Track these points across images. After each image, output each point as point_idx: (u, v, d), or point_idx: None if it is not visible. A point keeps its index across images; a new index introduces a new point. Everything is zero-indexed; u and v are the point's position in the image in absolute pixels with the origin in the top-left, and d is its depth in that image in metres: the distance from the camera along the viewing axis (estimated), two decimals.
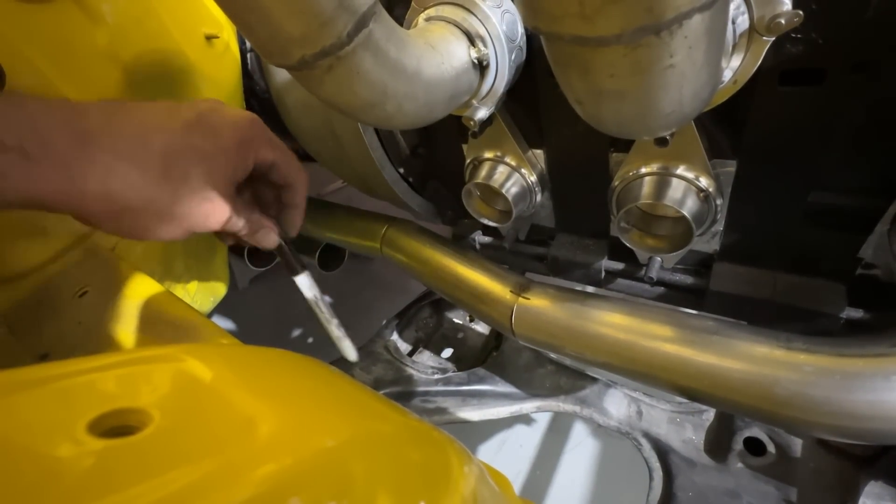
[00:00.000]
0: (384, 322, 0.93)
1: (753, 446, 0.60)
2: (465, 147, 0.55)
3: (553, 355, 0.79)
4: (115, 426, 0.15)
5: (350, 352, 0.55)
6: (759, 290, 0.45)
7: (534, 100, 0.47)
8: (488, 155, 0.52)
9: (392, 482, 0.19)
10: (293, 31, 0.26)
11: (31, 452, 0.14)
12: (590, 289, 0.56)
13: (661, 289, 0.53)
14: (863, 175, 0.38)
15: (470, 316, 0.95)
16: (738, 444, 0.60)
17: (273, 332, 1.40)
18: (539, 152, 0.52)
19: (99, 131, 0.34)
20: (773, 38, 0.31)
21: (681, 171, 0.41)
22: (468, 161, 0.54)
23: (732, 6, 0.30)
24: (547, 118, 0.48)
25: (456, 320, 0.96)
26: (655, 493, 0.60)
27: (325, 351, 0.59)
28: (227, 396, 0.19)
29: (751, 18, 0.31)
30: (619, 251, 0.53)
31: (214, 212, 0.40)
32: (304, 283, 0.50)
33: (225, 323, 1.39)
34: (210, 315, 0.79)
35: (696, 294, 0.50)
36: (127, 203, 0.35)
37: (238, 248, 0.80)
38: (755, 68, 0.33)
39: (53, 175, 0.32)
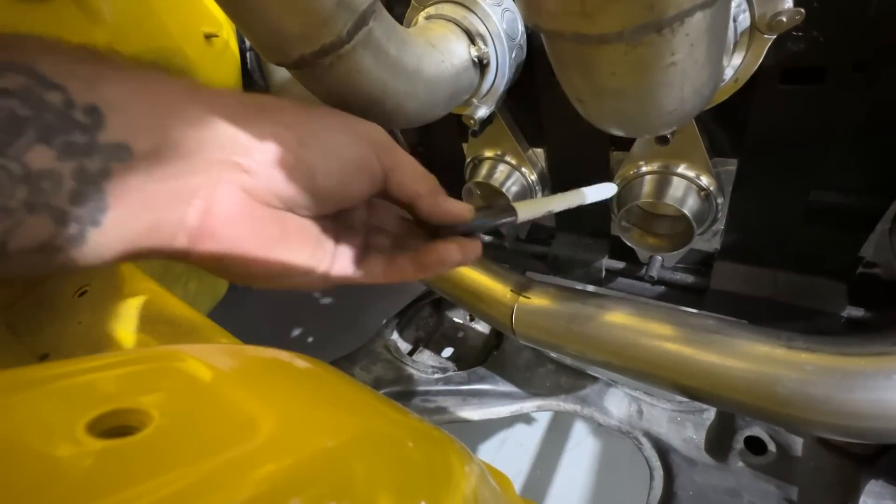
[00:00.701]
0: (384, 321, 0.92)
1: (754, 445, 0.60)
2: (465, 146, 0.55)
3: (553, 354, 0.79)
4: (115, 426, 0.15)
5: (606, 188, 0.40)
6: (759, 289, 0.45)
7: (534, 98, 0.47)
8: (489, 154, 0.52)
9: (393, 482, 0.19)
10: (293, 29, 0.26)
11: (30, 452, 0.14)
12: (590, 288, 0.56)
13: (662, 288, 0.53)
14: (864, 174, 0.38)
15: (470, 315, 0.95)
16: (739, 443, 0.60)
17: (273, 331, 1.40)
18: (539, 151, 0.52)
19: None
20: (775, 37, 0.31)
21: (682, 169, 0.41)
22: (468, 160, 0.54)
23: (734, 4, 0.30)
24: (547, 117, 0.48)
25: (456, 319, 0.96)
26: (656, 492, 0.60)
27: (325, 350, 0.59)
28: (227, 396, 0.19)
29: (752, 16, 0.31)
30: (619, 250, 0.52)
31: None
32: (531, 213, 0.36)
33: (225, 322, 1.39)
34: (210, 314, 0.79)
35: (696, 293, 0.50)
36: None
37: None
38: (756, 66, 0.33)
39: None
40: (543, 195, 0.54)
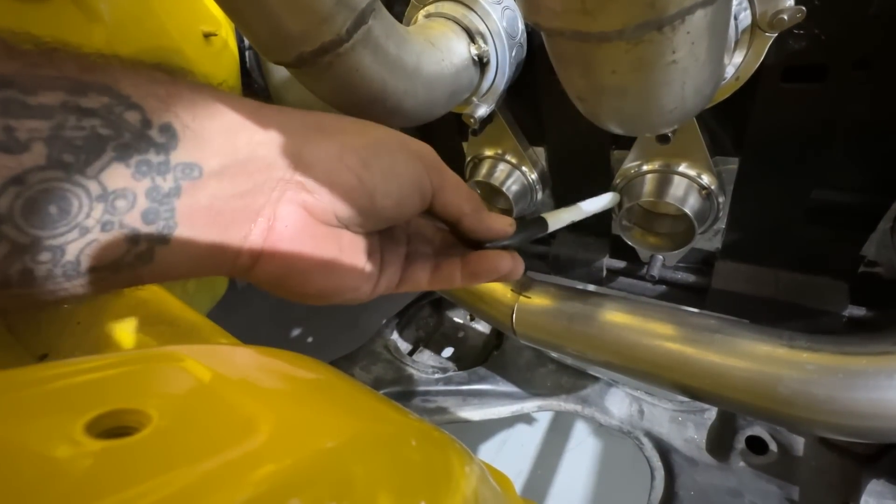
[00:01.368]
0: (384, 321, 0.92)
1: (755, 445, 0.60)
2: (465, 145, 0.55)
3: (554, 354, 0.79)
4: (114, 427, 0.15)
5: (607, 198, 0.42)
6: (761, 289, 0.45)
7: (534, 97, 0.47)
8: (489, 152, 0.52)
9: (393, 482, 0.19)
10: (292, 28, 0.26)
11: (28, 453, 0.14)
12: (591, 287, 0.56)
13: (663, 287, 0.53)
14: (865, 172, 0.38)
15: (470, 315, 0.95)
16: (740, 443, 0.60)
17: (272, 331, 1.40)
18: (540, 150, 0.52)
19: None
20: (776, 35, 0.31)
21: (683, 168, 0.41)
22: (468, 159, 0.54)
23: (735, 2, 0.30)
24: (548, 115, 0.48)
25: (456, 319, 0.96)
26: (657, 492, 0.60)
27: (324, 350, 0.59)
28: (226, 397, 0.19)
29: (753, 14, 0.31)
30: (620, 249, 0.52)
31: None
32: (558, 223, 0.37)
33: (224, 322, 1.39)
34: (209, 315, 0.79)
35: (698, 292, 0.50)
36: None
37: None
38: (758, 65, 0.33)
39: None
40: (544, 194, 0.54)
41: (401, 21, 0.39)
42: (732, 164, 0.42)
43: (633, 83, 0.24)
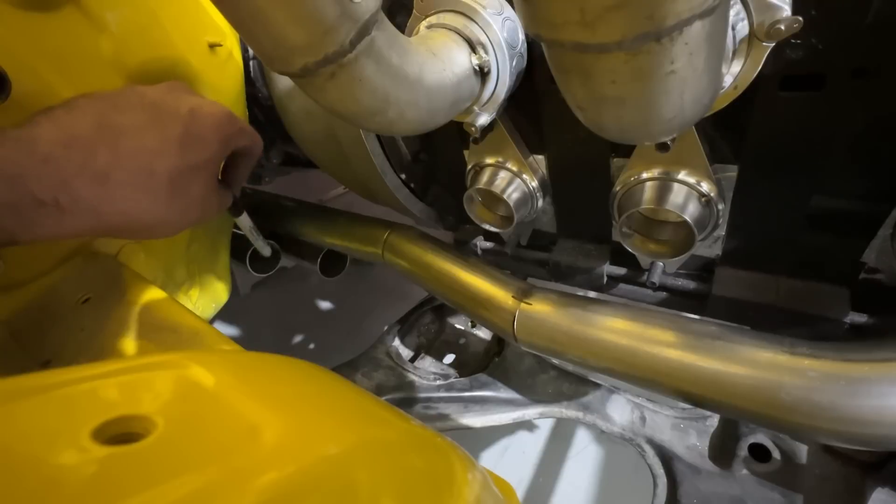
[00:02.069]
0: (386, 328, 0.92)
1: (758, 452, 0.60)
2: (466, 153, 0.56)
3: (555, 361, 0.79)
4: (119, 433, 0.15)
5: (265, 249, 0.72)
6: (761, 295, 0.45)
7: (535, 106, 0.47)
8: (490, 161, 0.52)
9: (396, 489, 0.19)
10: (296, 38, 0.26)
11: (35, 460, 0.14)
12: (592, 294, 0.56)
13: (664, 294, 0.53)
14: (864, 179, 0.38)
15: (472, 321, 0.95)
16: (743, 451, 0.60)
17: (275, 338, 1.40)
18: (540, 158, 0.52)
19: (111, 168, 0.38)
20: (773, 44, 0.31)
21: (682, 175, 0.41)
22: (470, 167, 0.55)
23: (732, 12, 0.31)
24: (548, 124, 0.48)
25: (458, 326, 0.96)
26: (660, 499, 0.60)
27: (327, 357, 0.59)
28: (231, 403, 0.19)
29: (750, 24, 0.31)
30: (621, 256, 0.52)
31: (212, 208, 0.48)
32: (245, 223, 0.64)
33: (227, 329, 1.39)
34: (212, 321, 0.79)
35: (698, 299, 0.50)
36: (143, 224, 0.41)
37: (240, 254, 0.80)
38: (755, 74, 0.33)
39: (83, 219, 0.37)
40: (544, 202, 0.54)
41: (403, 31, 0.39)
42: (732, 172, 0.42)
43: (633, 93, 0.24)
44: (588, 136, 0.37)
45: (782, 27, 0.30)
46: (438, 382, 0.80)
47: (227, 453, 0.16)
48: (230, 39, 0.63)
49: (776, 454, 0.59)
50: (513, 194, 0.51)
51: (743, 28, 0.31)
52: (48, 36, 0.46)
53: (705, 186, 0.41)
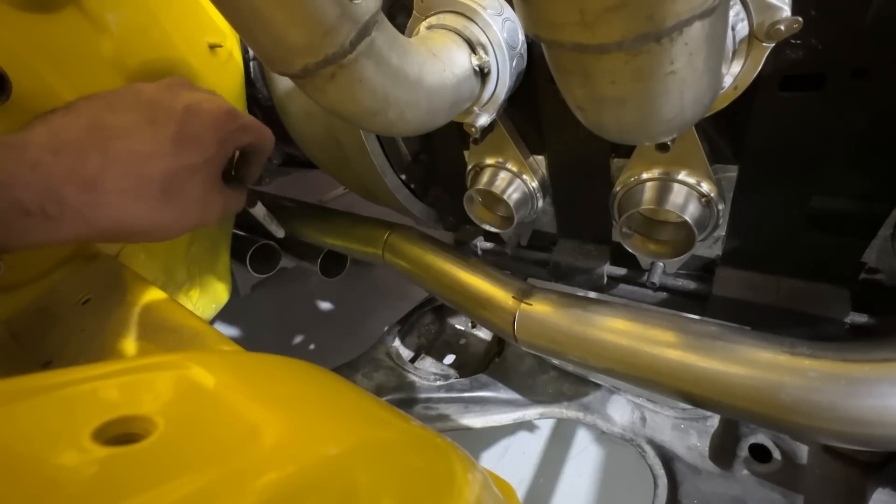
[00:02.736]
0: (386, 328, 0.92)
1: (759, 453, 0.60)
2: (466, 153, 0.56)
3: (556, 361, 0.79)
4: (120, 434, 0.15)
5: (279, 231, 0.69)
6: (762, 295, 0.45)
7: (535, 106, 0.48)
8: (490, 161, 0.52)
9: (396, 489, 0.19)
10: (296, 39, 0.26)
11: (35, 461, 0.14)
12: (592, 294, 0.56)
13: (664, 294, 0.53)
14: (864, 179, 0.38)
15: (472, 322, 0.95)
16: (744, 451, 0.60)
17: (275, 338, 1.40)
18: (540, 158, 0.52)
19: (100, 173, 0.37)
20: (773, 45, 0.31)
21: (682, 176, 0.41)
22: (470, 167, 0.55)
23: (732, 13, 0.31)
24: (548, 124, 0.48)
25: (458, 326, 0.96)
26: (660, 500, 0.60)
27: (327, 357, 0.59)
28: (231, 404, 0.19)
29: (750, 25, 0.31)
30: (621, 256, 0.53)
31: (215, 209, 0.45)
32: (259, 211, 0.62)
33: (227, 329, 1.39)
34: (212, 322, 0.79)
35: (698, 299, 0.50)
36: (137, 229, 0.39)
37: (240, 255, 0.80)
38: (755, 74, 0.33)
39: (73, 227, 0.36)
40: (544, 202, 0.54)
41: (403, 32, 0.39)
42: (732, 172, 0.42)
43: (632, 93, 0.24)
44: (588, 136, 0.38)
45: (782, 27, 0.30)
46: (439, 383, 0.81)
47: (228, 454, 0.16)
48: (230, 40, 0.63)
49: (777, 454, 0.59)
50: (513, 195, 0.51)
51: (743, 28, 0.31)
52: (49, 37, 0.46)
53: (705, 187, 0.41)
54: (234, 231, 0.79)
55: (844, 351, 0.35)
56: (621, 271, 0.54)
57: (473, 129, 0.44)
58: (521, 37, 0.42)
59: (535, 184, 0.52)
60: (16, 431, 0.15)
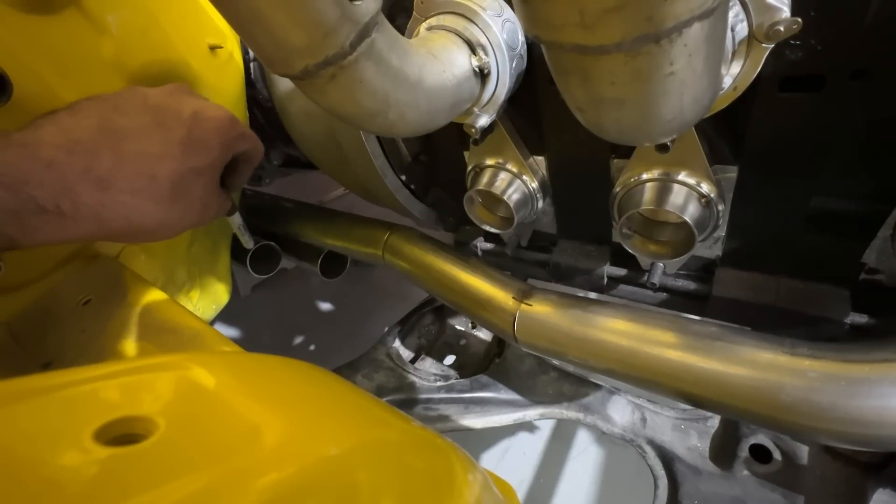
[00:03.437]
0: (386, 329, 0.92)
1: (759, 453, 0.60)
2: (466, 154, 0.56)
3: (556, 362, 0.79)
4: (121, 434, 0.15)
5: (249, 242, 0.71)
6: (762, 296, 0.45)
7: (535, 107, 0.48)
8: (490, 162, 0.52)
9: (396, 490, 0.19)
10: (297, 41, 0.26)
11: (37, 461, 0.14)
12: (592, 295, 0.56)
13: (664, 294, 0.53)
14: (864, 180, 0.38)
15: (472, 323, 0.95)
16: (744, 452, 0.60)
17: (275, 339, 1.40)
18: (540, 159, 0.52)
19: (114, 172, 0.38)
20: (773, 45, 0.32)
21: (682, 176, 0.41)
22: (470, 168, 0.55)
23: (731, 14, 0.31)
24: (548, 125, 0.48)
25: (458, 327, 0.96)
26: (660, 500, 0.60)
27: (327, 358, 0.59)
28: (232, 404, 0.19)
29: (750, 26, 0.31)
30: (621, 257, 0.53)
31: (211, 211, 0.48)
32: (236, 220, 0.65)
33: (227, 330, 1.39)
34: (212, 322, 0.79)
35: (698, 300, 0.50)
36: (144, 228, 0.41)
37: (241, 255, 0.80)
38: (755, 75, 0.33)
39: (85, 225, 0.37)
40: (544, 202, 0.54)
41: (403, 33, 0.39)
42: (731, 173, 0.42)
43: (632, 94, 0.24)
44: (588, 137, 0.38)
45: (781, 28, 0.30)
46: (439, 384, 0.81)
47: (229, 454, 0.16)
48: (231, 41, 0.63)
49: (777, 455, 0.59)
50: (513, 195, 0.51)
51: (742, 29, 0.31)
52: (49, 38, 0.46)
53: (705, 187, 0.41)
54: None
55: (844, 351, 0.35)
56: (621, 272, 0.54)
57: (473, 130, 0.45)
58: (521, 38, 0.42)
59: (534, 184, 0.52)
60: (17, 432, 0.15)
